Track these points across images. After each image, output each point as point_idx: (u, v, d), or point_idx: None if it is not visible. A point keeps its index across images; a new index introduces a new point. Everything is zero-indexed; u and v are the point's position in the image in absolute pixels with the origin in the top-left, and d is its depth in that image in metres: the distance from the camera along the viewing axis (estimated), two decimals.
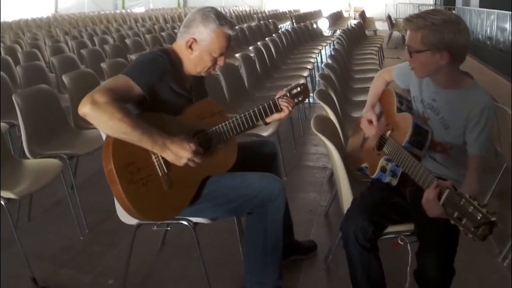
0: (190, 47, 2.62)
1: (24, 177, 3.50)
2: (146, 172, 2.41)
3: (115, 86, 2.40)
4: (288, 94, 2.76)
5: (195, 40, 2.60)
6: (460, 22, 2.34)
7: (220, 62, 2.68)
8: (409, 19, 2.37)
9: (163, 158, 2.43)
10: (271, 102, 2.71)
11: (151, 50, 2.99)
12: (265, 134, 4.06)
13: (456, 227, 2.29)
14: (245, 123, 2.65)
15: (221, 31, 2.59)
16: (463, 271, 2.62)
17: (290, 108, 2.74)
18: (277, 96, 2.74)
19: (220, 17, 2.60)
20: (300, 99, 2.79)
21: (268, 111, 2.70)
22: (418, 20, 2.33)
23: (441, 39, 2.29)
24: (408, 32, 2.40)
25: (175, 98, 2.60)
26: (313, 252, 3.44)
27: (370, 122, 2.76)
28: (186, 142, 2.39)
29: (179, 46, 2.67)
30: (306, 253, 3.40)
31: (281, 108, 2.73)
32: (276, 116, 2.76)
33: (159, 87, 2.53)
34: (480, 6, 16.55)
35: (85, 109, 2.28)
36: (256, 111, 2.68)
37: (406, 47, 2.42)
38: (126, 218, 2.69)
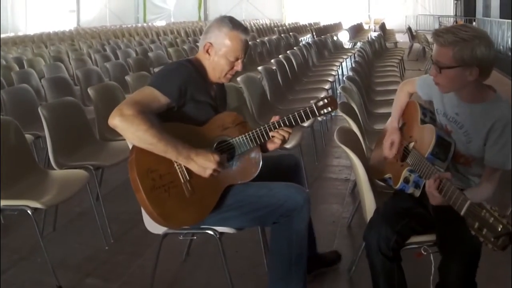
0: (207, 51, 2.72)
1: (51, 187, 3.57)
2: (168, 179, 2.48)
3: (142, 98, 2.50)
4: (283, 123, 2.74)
5: (211, 44, 2.70)
6: (488, 37, 2.33)
7: (238, 67, 2.74)
8: (438, 34, 2.32)
9: (185, 165, 2.49)
10: (296, 113, 2.73)
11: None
12: (288, 146, 4.05)
13: (478, 240, 2.30)
14: (268, 134, 2.69)
15: (234, 34, 2.68)
16: (485, 283, 2.61)
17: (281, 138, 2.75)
18: (272, 120, 2.75)
19: (233, 22, 2.71)
20: (326, 111, 2.79)
21: (292, 121, 2.72)
22: (448, 35, 2.29)
23: (473, 55, 2.26)
24: (436, 47, 2.36)
25: (200, 106, 2.67)
26: (338, 262, 3.42)
27: (393, 144, 2.79)
28: (210, 154, 2.47)
29: (200, 53, 2.77)
30: (331, 264, 3.38)
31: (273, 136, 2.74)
32: (271, 145, 2.79)
33: (185, 95, 2.60)
34: (501, 17, 16.43)
35: (114, 121, 2.40)
36: (281, 122, 2.71)
37: (433, 62, 2.38)
38: (152, 227, 2.73)
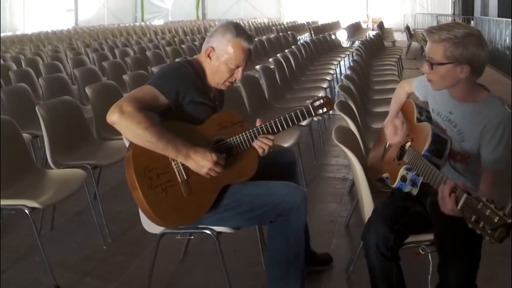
0: (208, 55, 2.70)
1: (48, 186, 3.55)
2: (165, 178, 2.47)
3: (142, 96, 2.50)
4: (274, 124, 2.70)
5: (213, 49, 2.68)
6: (481, 35, 2.35)
7: (237, 75, 2.73)
8: (431, 31, 2.35)
9: (182, 164, 2.49)
10: (292, 113, 2.72)
11: (172, 61, 3.05)
12: (286, 144, 4.06)
13: (477, 240, 2.29)
14: (265, 133, 2.68)
15: (237, 41, 2.66)
16: (484, 283, 2.60)
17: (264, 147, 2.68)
18: (258, 124, 2.70)
19: (238, 29, 2.68)
20: (322, 111, 2.79)
21: (289, 121, 2.71)
22: (441, 32, 2.31)
23: (464, 52, 2.28)
24: (429, 44, 2.39)
25: (199, 107, 2.66)
26: (329, 264, 3.41)
27: (396, 129, 2.78)
28: (208, 153, 2.46)
29: (202, 56, 2.75)
30: (322, 264, 3.39)
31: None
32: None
33: (183, 96, 2.59)
34: (499, 16, 16.42)
35: (113, 117, 2.38)
36: (277, 121, 2.70)
37: (426, 59, 2.41)
38: (150, 227, 2.73)
